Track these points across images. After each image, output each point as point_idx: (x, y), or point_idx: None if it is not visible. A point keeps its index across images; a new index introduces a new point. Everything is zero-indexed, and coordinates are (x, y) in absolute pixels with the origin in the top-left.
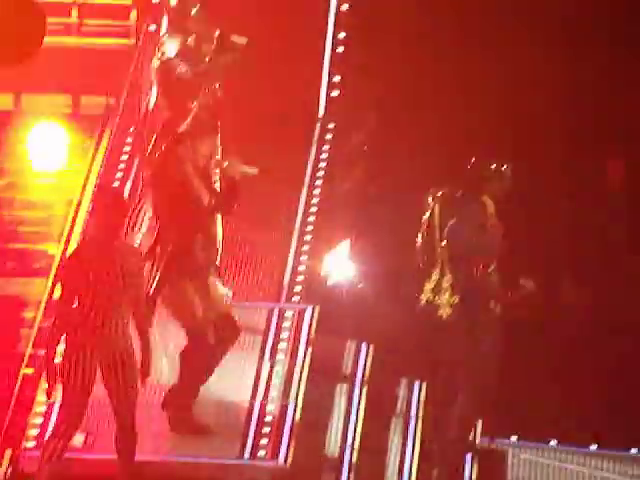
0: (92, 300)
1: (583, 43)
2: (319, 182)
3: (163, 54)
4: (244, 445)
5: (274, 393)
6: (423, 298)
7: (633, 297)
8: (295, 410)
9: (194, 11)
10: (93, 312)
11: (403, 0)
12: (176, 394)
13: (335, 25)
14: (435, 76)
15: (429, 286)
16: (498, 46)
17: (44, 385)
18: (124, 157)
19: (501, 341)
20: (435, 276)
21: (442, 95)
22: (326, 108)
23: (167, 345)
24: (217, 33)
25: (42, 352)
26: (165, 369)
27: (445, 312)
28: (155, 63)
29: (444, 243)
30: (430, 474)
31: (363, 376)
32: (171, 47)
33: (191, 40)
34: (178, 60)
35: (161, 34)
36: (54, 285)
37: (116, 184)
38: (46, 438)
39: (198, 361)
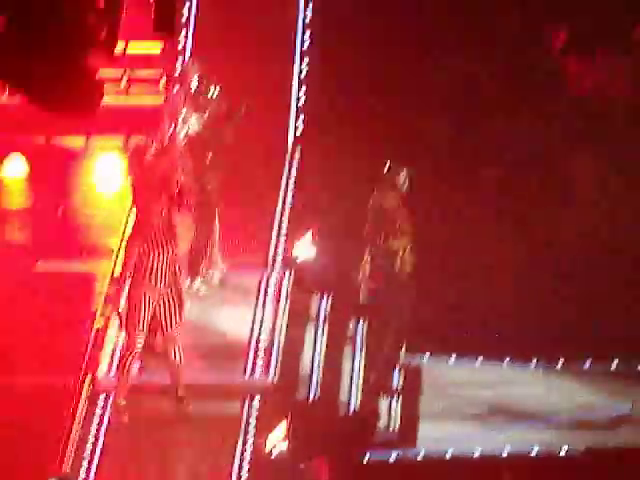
0: (147, 262)
1: None
2: (290, 190)
3: (186, 124)
4: (245, 366)
5: (265, 331)
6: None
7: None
8: (279, 342)
9: (212, 93)
10: (147, 271)
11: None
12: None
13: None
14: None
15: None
16: None
17: (114, 325)
18: None
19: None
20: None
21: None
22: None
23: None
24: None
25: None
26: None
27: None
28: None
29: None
30: (370, 383)
31: (325, 318)
32: (192, 121)
33: (206, 114)
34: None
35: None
36: (116, 262)
37: None
38: (116, 365)
39: None
